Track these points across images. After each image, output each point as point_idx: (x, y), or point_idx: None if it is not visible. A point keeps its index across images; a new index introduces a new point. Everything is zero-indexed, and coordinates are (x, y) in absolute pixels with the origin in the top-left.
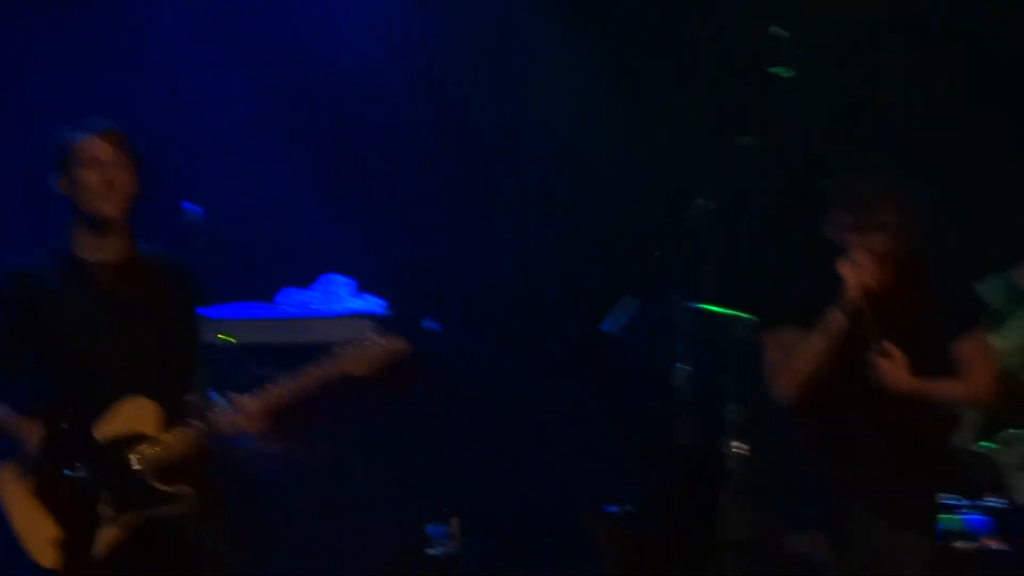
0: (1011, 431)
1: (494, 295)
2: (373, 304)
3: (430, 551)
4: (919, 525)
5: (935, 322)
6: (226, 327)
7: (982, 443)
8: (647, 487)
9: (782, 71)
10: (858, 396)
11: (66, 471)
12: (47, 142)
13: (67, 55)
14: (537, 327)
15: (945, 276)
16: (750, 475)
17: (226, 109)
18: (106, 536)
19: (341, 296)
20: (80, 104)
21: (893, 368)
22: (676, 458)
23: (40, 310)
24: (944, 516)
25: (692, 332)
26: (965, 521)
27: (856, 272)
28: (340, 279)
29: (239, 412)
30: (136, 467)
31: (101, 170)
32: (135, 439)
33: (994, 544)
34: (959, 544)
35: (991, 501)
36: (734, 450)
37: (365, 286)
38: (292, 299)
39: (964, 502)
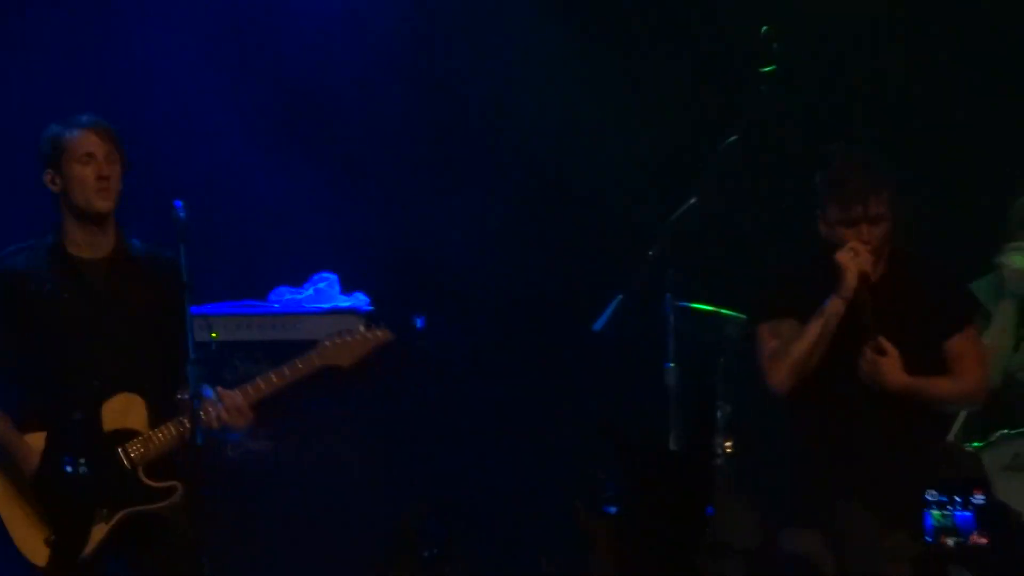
0: (1001, 432)
1: (485, 292)
2: (363, 301)
3: (418, 550)
4: (909, 522)
5: (928, 319)
6: (215, 323)
7: (973, 443)
8: (638, 486)
9: (772, 69)
10: (851, 391)
11: (67, 468)
12: (35, 139)
13: (55, 53)
14: (528, 325)
15: (939, 274)
16: (741, 474)
17: (216, 107)
18: (96, 533)
19: (332, 294)
20: (68, 102)
21: (888, 364)
22: (667, 457)
23: (31, 308)
24: (934, 513)
25: (685, 331)
26: (954, 518)
27: (854, 260)
28: (332, 276)
29: (226, 407)
30: (126, 463)
31: (95, 165)
32: (124, 435)
33: (982, 541)
34: (948, 541)
35: (979, 499)
36: (726, 449)
37: (356, 283)
38: (285, 297)
39: (953, 500)
